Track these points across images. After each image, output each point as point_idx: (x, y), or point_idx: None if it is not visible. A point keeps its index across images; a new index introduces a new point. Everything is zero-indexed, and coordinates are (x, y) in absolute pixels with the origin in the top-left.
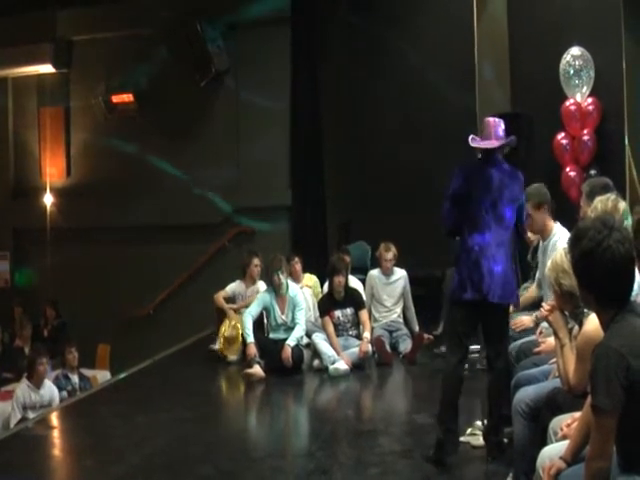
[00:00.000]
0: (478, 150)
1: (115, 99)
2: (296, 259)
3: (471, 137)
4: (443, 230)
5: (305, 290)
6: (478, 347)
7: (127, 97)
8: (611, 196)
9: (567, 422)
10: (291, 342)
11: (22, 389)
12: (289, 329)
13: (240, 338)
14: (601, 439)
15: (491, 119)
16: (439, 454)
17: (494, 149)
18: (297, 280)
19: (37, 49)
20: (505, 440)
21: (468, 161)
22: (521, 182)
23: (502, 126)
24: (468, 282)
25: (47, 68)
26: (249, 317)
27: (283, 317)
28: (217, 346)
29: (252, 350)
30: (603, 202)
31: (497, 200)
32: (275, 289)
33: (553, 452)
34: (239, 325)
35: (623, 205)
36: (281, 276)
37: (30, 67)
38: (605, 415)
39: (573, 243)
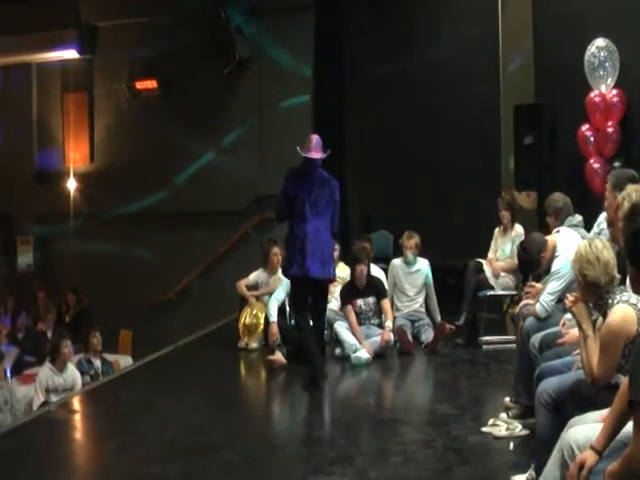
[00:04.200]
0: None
1: (139, 85)
2: (335, 246)
3: (298, 148)
4: (277, 220)
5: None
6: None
7: (150, 83)
8: None
9: (604, 417)
10: None
11: (45, 372)
12: None
13: (261, 326)
14: None
15: (314, 136)
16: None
17: (314, 160)
18: None
19: (61, 35)
20: (526, 431)
21: (297, 166)
22: (333, 187)
23: (321, 143)
24: (294, 261)
25: (71, 54)
26: (274, 302)
27: None
28: (242, 344)
29: (274, 329)
30: (639, 191)
31: (317, 199)
32: None
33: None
34: (260, 313)
35: None
36: None
37: (54, 53)
38: None
39: (628, 219)
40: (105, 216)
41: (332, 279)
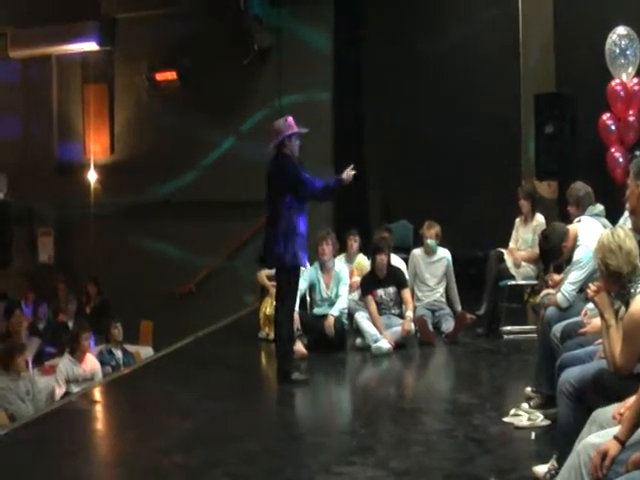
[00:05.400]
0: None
1: (158, 77)
2: (356, 237)
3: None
4: None
5: (343, 266)
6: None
7: (170, 75)
8: None
9: (620, 410)
10: (334, 312)
11: (64, 363)
12: (333, 305)
13: None
14: None
15: (275, 123)
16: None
17: (276, 147)
18: (350, 257)
19: (82, 27)
20: (547, 421)
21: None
22: (283, 172)
23: (279, 127)
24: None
25: (92, 46)
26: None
27: (328, 292)
28: (263, 334)
29: (296, 320)
30: None
31: (273, 187)
32: (320, 260)
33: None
34: None
35: None
36: (325, 247)
37: (75, 45)
38: None
39: None
40: (125, 207)
41: (281, 268)
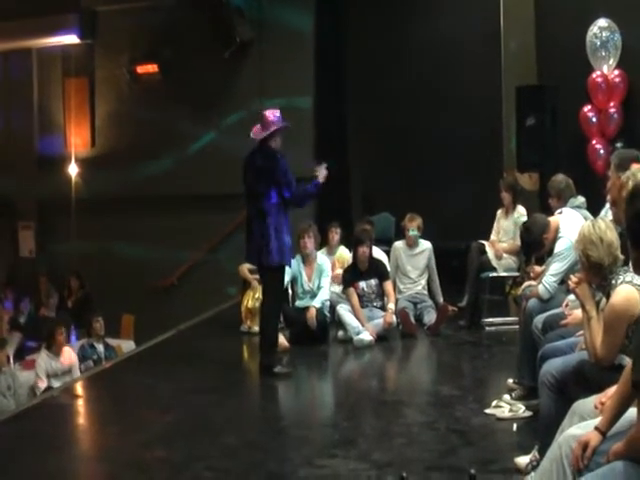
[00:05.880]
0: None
1: (140, 69)
2: (338, 229)
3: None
4: None
5: (325, 259)
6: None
7: (151, 67)
8: None
9: (601, 399)
10: (316, 304)
11: (43, 358)
12: (315, 297)
13: None
14: None
15: (263, 113)
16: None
17: (264, 138)
18: (331, 249)
19: (62, 20)
20: (529, 412)
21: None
22: (271, 166)
23: (266, 119)
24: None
25: (72, 39)
26: None
27: (310, 284)
28: (245, 328)
29: None
30: None
31: (254, 183)
32: (302, 253)
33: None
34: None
35: None
36: (307, 240)
37: (55, 38)
38: None
39: (629, 202)
40: (107, 200)
41: (267, 266)
